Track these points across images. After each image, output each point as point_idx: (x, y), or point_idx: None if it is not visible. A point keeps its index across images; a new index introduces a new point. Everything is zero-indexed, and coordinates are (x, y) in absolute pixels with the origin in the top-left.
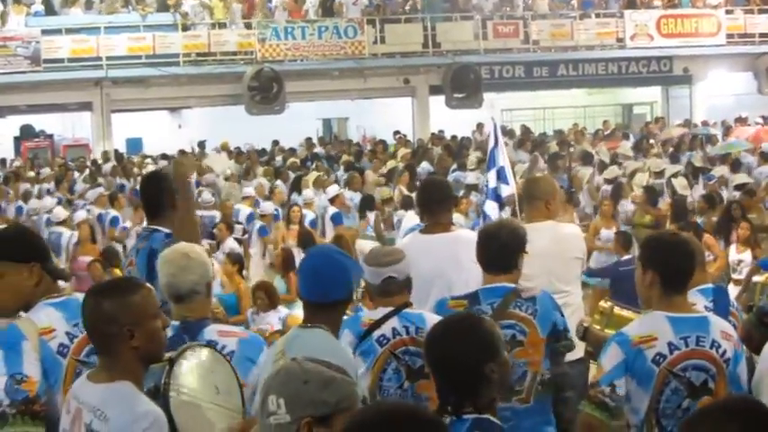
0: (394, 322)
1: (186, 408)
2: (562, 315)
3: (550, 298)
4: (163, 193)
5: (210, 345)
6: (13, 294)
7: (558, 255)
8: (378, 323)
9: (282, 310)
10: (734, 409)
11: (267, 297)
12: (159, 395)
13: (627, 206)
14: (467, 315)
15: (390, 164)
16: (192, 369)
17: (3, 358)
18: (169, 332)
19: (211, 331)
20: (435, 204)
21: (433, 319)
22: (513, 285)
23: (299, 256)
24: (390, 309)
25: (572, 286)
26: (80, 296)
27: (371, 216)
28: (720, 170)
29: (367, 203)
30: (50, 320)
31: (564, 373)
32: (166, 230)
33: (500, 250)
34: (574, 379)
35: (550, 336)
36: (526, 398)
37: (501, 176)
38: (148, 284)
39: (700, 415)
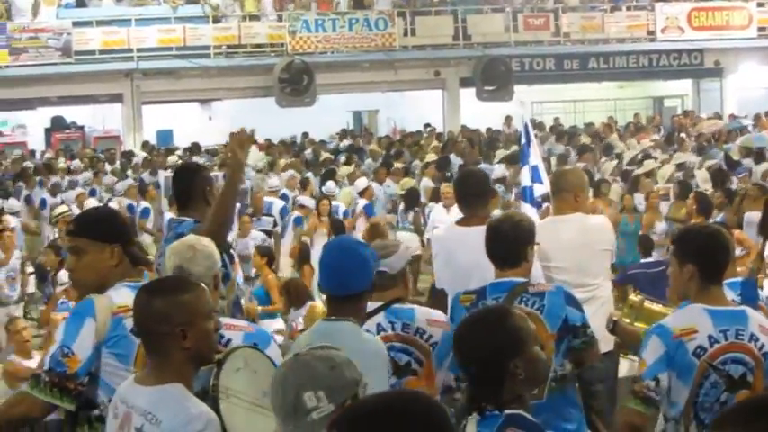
0: (380, 318)
1: (235, 410)
2: (580, 310)
3: (564, 292)
4: (195, 185)
5: (254, 345)
6: (92, 272)
7: (586, 247)
8: (367, 315)
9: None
10: (763, 407)
11: (296, 294)
12: (208, 398)
13: (639, 199)
14: (494, 308)
15: (430, 156)
16: (239, 371)
17: (64, 326)
18: None
19: None
20: (473, 197)
21: (424, 314)
22: (521, 279)
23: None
24: (380, 303)
25: (600, 279)
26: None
27: (411, 213)
28: (747, 163)
29: (411, 197)
30: (128, 301)
31: (591, 366)
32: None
33: (506, 244)
34: (602, 372)
35: (562, 331)
36: (538, 394)
37: (534, 176)
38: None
39: (727, 414)
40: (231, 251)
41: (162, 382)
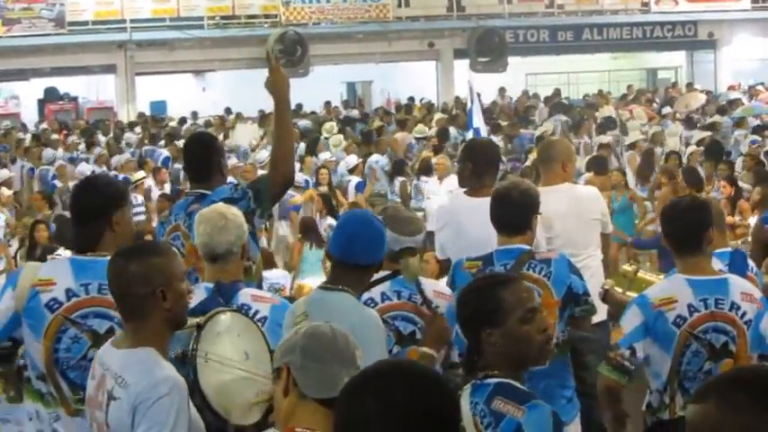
0: (385, 287)
1: (214, 373)
2: (581, 279)
3: (567, 261)
4: (210, 157)
5: (238, 309)
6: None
7: (576, 216)
8: (369, 285)
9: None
10: (742, 378)
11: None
12: (187, 361)
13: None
14: (495, 275)
15: (419, 128)
16: (220, 334)
17: None
18: (203, 293)
19: (245, 295)
20: (485, 165)
21: (430, 285)
22: (527, 247)
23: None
24: (387, 273)
25: (591, 248)
26: None
27: (398, 182)
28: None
29: (398, 168)
30: (55, 274)
31: (584, 336)
32: (207, 192)
33: (512, 211)
34: (595, 343)
35: (566, 299)
36: (542, 362)
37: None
38: (172, 248)
39: (707, 385)
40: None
41: (135, 345)
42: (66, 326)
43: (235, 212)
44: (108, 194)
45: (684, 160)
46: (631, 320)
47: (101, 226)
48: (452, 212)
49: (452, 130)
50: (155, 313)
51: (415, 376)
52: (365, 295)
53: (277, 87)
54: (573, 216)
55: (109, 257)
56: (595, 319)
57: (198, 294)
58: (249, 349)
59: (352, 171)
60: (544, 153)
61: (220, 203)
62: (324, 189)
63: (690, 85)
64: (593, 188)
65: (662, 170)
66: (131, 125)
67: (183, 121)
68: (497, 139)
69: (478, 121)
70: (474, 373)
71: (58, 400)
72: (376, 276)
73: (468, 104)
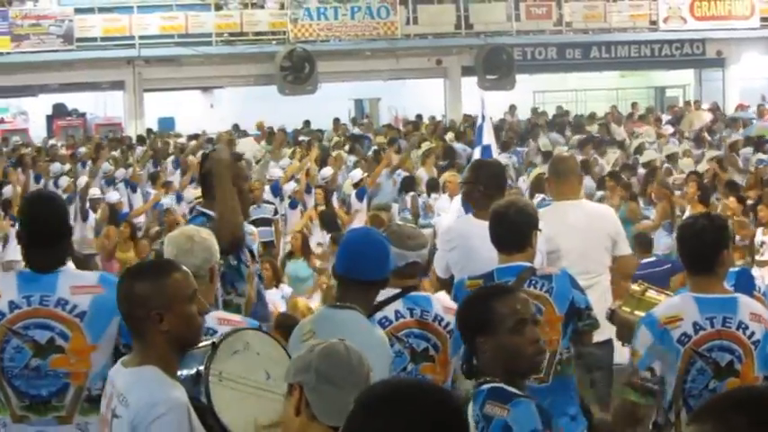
0: (398, 305)
1: (227, 393)
2: (583, 293)
3: (569, 276)
4: (207, 176)
5: (259, 328)
6: None
7: (592, 232)
8: (381, 304)
9: (286, 289)
10: (741, 399)
11: (272, 271)
12: (201, 381)
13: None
14: (494, 285)
15: (425, 145)
16: (237, 353)
17: None
18: None
19: (211, 318)
20: (494, 188)
21: (440, 301)
22: (527, 264)
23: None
24: (397, 290)
25: (602, 267)
26: (64, 270)
27: (408, 198)
28: (745, 152)
29: (407, 184)
30: (2, 287)
31: (590, 353)
32: (211, 213)
33: (511, 229)
34: (601, 360)
35: (569, 314)
36: (544, 377)
37: (485, 155)
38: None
39: (705, 408)
40: (252, 247)
41: (140, 364)
42: (9, 336)
43: (204, 236)
44: (61, 214)
45: None
46: (643, 341)
47: (62, 246)
48: (463, 236)
49: (458, 146)
50: (154, 335)
51: (423, 393)
52: (379, 314)
53: (217, 168)
54: (590, 231)
55: (56, 270)
56: (601, 337)
57: None
58: (271, 369)
59: (357, 185)
60: (560, 166)
61: (190, 226)
62: (322, 208)
63: (697, 103)
64: (607, 207)
65: (658, 185)
66: (139, 140)
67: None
68: (506, 156)
69: (489, 137)
70: (473, 377)
71: (6, 406)
72: (387, 295)
73: (479, 120)
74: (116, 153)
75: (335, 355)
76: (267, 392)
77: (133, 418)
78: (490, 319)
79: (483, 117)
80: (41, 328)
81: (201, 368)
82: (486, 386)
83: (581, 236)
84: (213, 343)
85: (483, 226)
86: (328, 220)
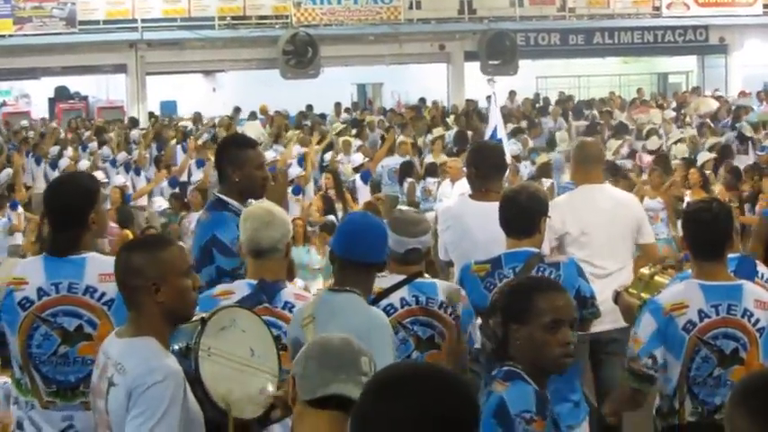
0: (403, 292)
1: (215, 368)
2: (588, 282)
3: (576, 265)
4: (223, 161)
5: (244, 306)
6: None
7: (619, 216)
8: (386, 292)
9: (299, 282)
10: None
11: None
12: (190, 355)
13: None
14: (533, 278)
15: (437, 131)
16: (224, 329)
17: None
18: (246, 289)
19: (288, 293)
20: (489, 170)
21: (445, 287)
22: (535, 250)
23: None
24: (402, 277)
25: (629, 252)
26: (91, 257)
27: (406, 184)
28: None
29: (406, 170)
30: (28, 273)
31: (615, 339)
32: (230, 201)
33: (521, 214)
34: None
35: (575, 302)
36: None
37: (492, 136)
38: (180, 243)
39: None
40: None
41: (135, 335)
42: (38, 323)
43: (281, 210)
44: (82, 196)
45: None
46: (646, 328)
47: (78, 228)
48: (457, 215)
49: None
50: (149, 306)
51: (433, 379)
52: (384, 302)
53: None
54: (620, 217)
55: (82, 256)
56: (618, 324)
57: (240, 290)
58: (255, 346)
59: (357, 170)
60: (586, 151)
61: (267, 201)
62: (332, 193)
63: (697, 89)
64: (631, 194)
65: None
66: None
67: (197, 119)
68: (514, 142)
69: (495, 122)
70: (501, 361)
71: (33, 391)
72: (391, 282)
73: (492, 105)
74: (112, 135)
75: (324, 342)
76: (250, 368)
77: (130, 384)
78: (528, 309)
79: (494, 102)
80: (70, 315)
81: (192, 343)
82: (505, 368)
83: (609, 217)
84: (203, 318)
85: (478, 207)
86: (328, 206)
